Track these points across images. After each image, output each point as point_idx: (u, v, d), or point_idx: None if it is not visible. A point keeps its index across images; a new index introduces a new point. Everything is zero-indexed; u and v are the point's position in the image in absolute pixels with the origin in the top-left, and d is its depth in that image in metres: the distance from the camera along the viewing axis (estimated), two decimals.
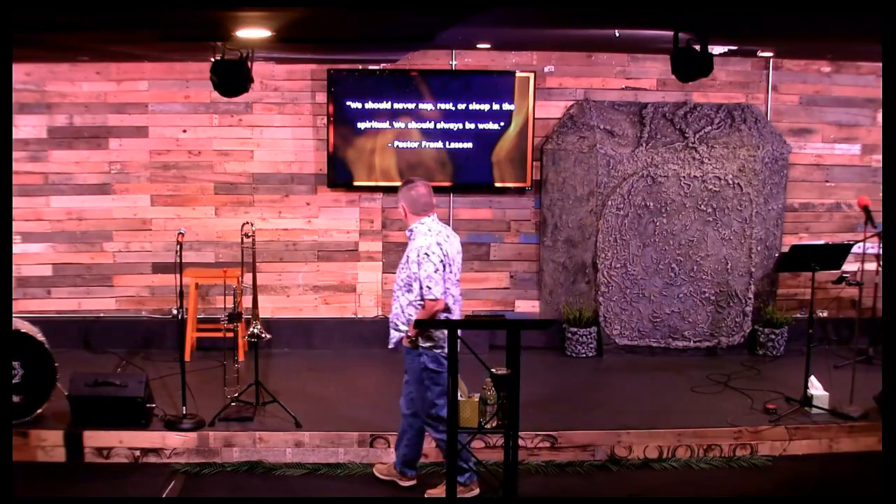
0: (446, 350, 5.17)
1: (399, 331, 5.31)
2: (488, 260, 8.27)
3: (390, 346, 5.44)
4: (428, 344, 5.23)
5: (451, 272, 5.26)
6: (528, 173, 7.97)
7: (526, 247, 8.28)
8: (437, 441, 5.44)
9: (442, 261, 5.15)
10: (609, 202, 7.70)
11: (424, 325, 5.04)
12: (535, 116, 7.91)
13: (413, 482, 5.64)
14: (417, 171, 7.88)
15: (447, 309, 5.24)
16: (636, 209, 7.70)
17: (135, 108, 7.81)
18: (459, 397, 4.74)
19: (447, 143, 7.87)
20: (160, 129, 7.85)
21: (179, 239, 6.05)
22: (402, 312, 5.28)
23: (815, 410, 6.44)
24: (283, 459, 5.98)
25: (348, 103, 7.75)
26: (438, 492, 5.44)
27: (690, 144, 7.78)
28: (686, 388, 7.08)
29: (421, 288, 5.13)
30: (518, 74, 7.85)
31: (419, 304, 5.19)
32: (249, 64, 6.07)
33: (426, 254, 5.12)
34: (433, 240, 5.18)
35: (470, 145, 7.89)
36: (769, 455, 6.17)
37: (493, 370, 4.68)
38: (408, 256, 5.25)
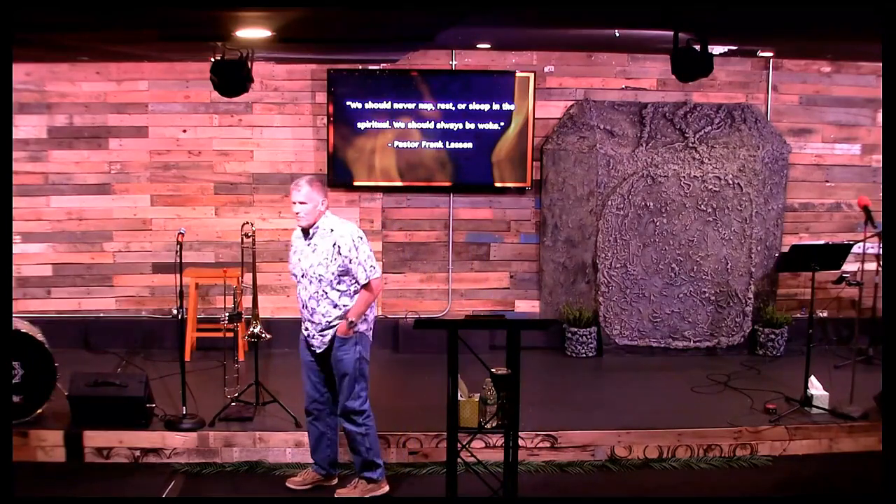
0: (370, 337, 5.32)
1: (332, 327, 5.24)
2: (488, 260, 8.27)
3: (320, 350, 5.31)
4: (364, 326, 5.28)
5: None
6: (528, 173, 7.96)
7: (526, 247, 8.28)
8: (354, 435, 5.34)
9: None
10: (609, 202, 7.70)
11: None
12: (535, 116, 7.91)
13: (336, 480, 5.61)
14: (417, 171, 7.89)
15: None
16: (636, 209, 7.70)
17: (135, 108, 7.80)
18: (459, 397, 4.75)
19: (447, 143, 7.87)
20: (160, 129, 7.85)
21: (179, 239, 6.04)
22: (336, 307, 5.20)
23: (815, 410, 6.44)
24: (283, 459, 5.98)
25: (348, 103, 7.75)
26: (348, 491, 5.43)
27: (690, 144, 7.78)
28: (686, 388, 7.08)
29: (365, 270, 5.14)
30: (518, 74, 7.84)
31: (355, 291, 5.19)
32: (249, 64, 6.06)
33: (359, 237, 5.20)
34: (352, 225, 5.28)
35: (470, 145, 7.89)
36: (769, 455, 6.17)
37: (493, 370, 4.68)
38: (337, 247, 5.14)
